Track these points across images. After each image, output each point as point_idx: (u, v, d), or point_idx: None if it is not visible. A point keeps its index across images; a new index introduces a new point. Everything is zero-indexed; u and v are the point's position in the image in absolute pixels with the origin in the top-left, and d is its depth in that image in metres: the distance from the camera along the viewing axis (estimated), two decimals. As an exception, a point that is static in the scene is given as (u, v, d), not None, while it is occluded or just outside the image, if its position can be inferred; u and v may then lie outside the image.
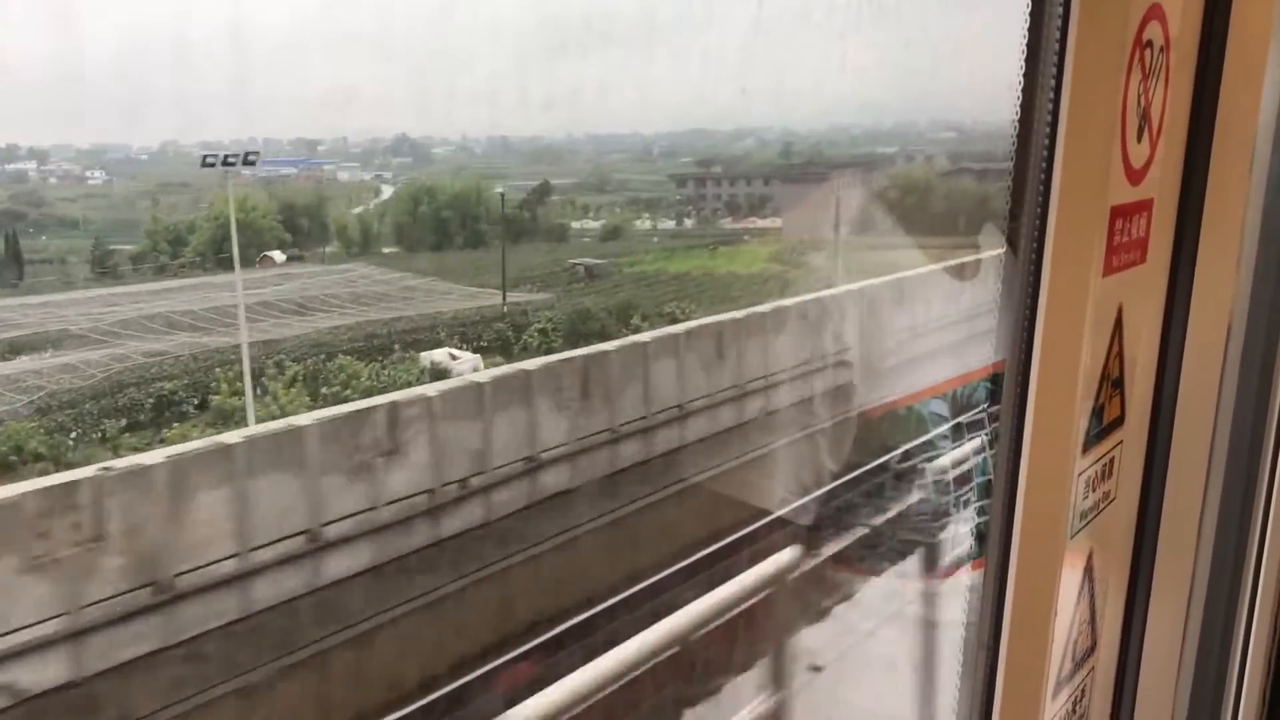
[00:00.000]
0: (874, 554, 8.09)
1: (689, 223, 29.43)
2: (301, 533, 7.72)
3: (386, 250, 26.42)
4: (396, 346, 20.42)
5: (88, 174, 24.69)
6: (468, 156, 28.75)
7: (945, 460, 7.00)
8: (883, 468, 9.13)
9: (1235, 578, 1.95)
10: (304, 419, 8.36)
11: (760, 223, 28.01)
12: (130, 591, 6.83)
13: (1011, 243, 1.38)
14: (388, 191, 28.06)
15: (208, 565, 7.21)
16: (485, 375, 10.25)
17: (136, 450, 13.44)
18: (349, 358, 19.28)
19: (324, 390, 17.83)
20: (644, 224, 29.76)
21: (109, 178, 24.83)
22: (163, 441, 15.05)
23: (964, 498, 6.40)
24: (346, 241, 26.25)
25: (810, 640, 6.15)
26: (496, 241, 25.84)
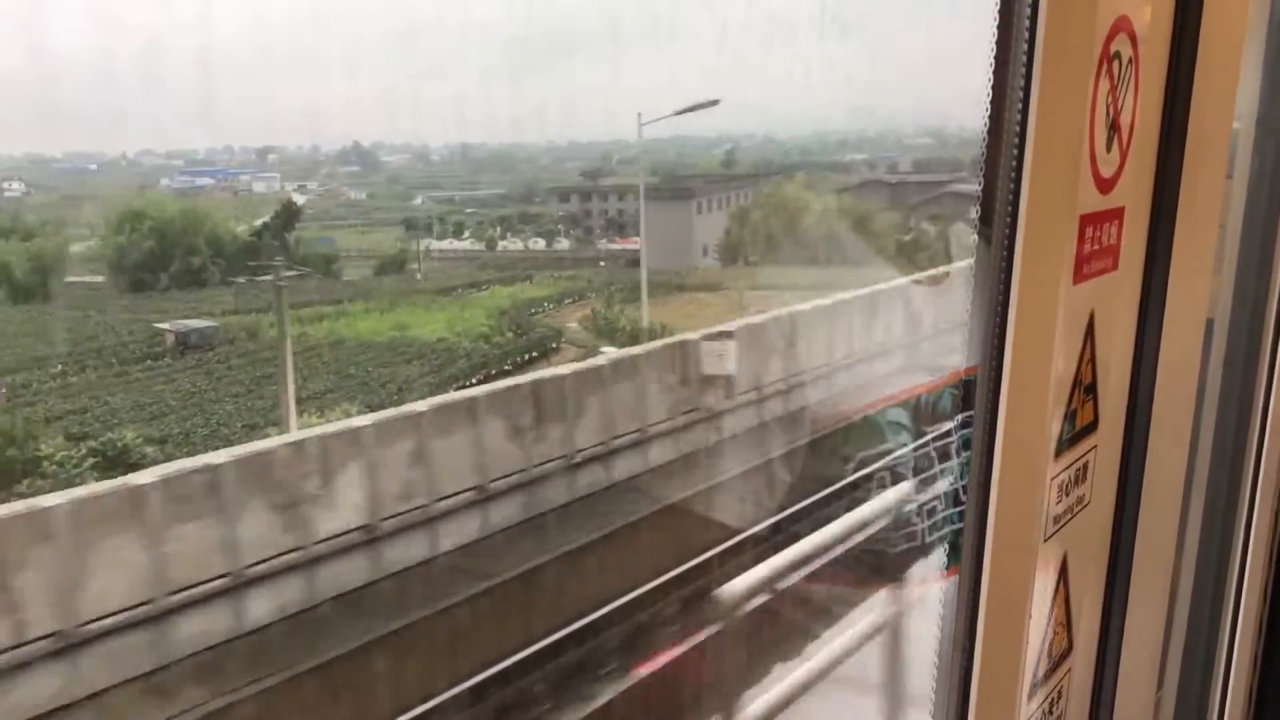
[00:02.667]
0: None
1: (565, 243, 26.40)
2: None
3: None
4: None
5: (4, 185, 22.91)
6: (424, 165, 27.29)
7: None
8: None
9: (1219, 578, 1.97)
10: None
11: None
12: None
13: (982, 250, 1.41)
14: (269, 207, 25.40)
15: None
16: None
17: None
18: None
19: None
20: (513, 244, 26.40)
21: (28, 190, 23.22)
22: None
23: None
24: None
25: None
26: (234, 274, 20.94)
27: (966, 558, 1.44)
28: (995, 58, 1.34)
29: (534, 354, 19.12)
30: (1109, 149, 1.41)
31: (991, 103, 1.34)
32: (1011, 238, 1.37)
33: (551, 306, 22.26)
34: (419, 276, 24.11)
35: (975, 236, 1.42)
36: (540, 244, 26.40)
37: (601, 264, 25.45)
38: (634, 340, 17.46)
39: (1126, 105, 1.44)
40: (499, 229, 26.53)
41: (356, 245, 25.00)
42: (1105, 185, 1.43)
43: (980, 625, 1.44)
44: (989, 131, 1.37)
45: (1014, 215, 1.36)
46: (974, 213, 1.41)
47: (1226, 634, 2.01)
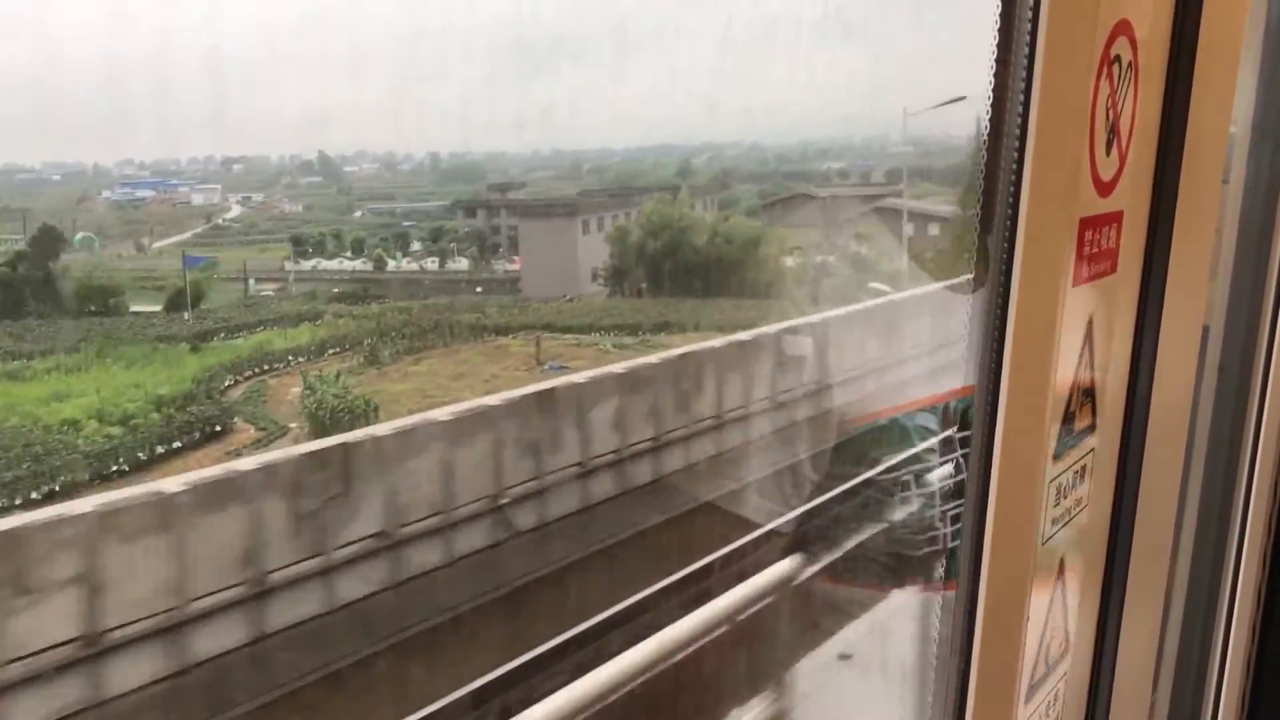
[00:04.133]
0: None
1: (463, 263, 23.94)
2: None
3: None
4: None
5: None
6: (391, 175, 25.64)
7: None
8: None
9: (1213, 581, 1.98)
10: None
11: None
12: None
13: (982, 254, 1.41)
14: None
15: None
16: None
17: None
18: None
19: None
20: (404, 264, 24.10)
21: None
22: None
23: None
24: None
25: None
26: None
27: (964, 559, 1.44)
28: (996, 59, 1.34)
29: (179, 443, 14.45)
30: (1108, 152, 1.42)
31: (992, 105, 1.34)
32: (1011, 240, 1.37)
33: (297, 361, 18.18)
34: (187, 316, 20.26)
35: (975, 238, 1.43)
36: (434, 264, 24.06)
37: (479, 290, 22.96)
38: (325, 425, 14.58)
39: (1126, 109, 1.44)
40: (393, 248, 24.52)
41: (254, 266, 23.19)
42: (1105, 189, 1.43)
43: (978, 627, 1.44)
44: (989, 135, 1.38)
45: (1014, 217, 1.36)
46: (975, 224, 1.41)
47: (1221, 636, 2.02)
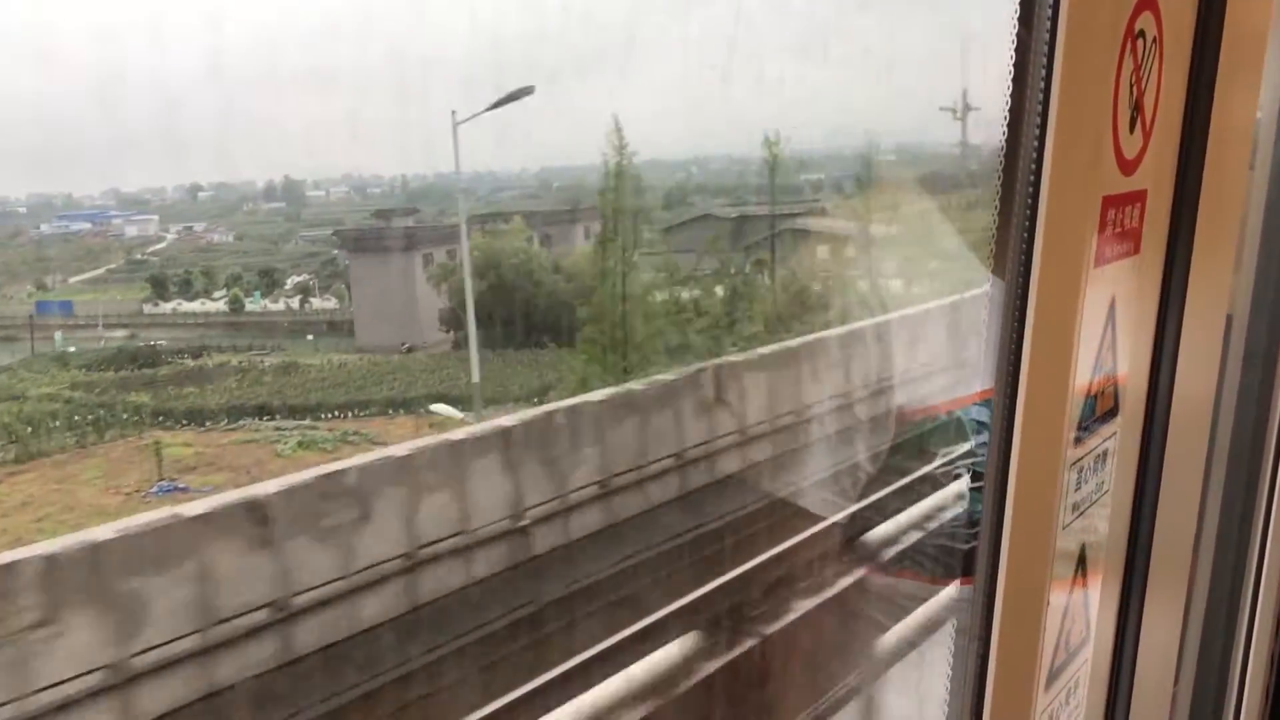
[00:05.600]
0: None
1: (331, 302, 21.32)
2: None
3: None
4: None
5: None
6: (361, 198, 22.97)
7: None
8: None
9: (1238, 567, 1.95)
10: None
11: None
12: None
13: (1002, 236, 1.39)
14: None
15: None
16: None
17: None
18: None
19: None
20: (265, 303, 21.83)
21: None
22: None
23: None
24: None
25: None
26: None
27: (983, 543, 1.42)
28: (1018, 32, 1.32)
29: None
30: (1132, 129, 1.39)
31: (1014, 78, 1.32)
32: (1033, 219, 1.35)
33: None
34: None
35: (995, 216, 1.40)
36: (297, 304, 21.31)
37: (309, 337, 20.17)
38: None
39: (1150, 85, 1.42)
40: (262, 285, 22.12)
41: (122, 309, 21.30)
42: (1128, 167, 1.41)
43: (997, 614, 1.42)
44: (1010, 111, 1.35)
45: (1035, 195, 1.34)
46: (995, 203, 1.38)
47: (1244, 626, 1.99)
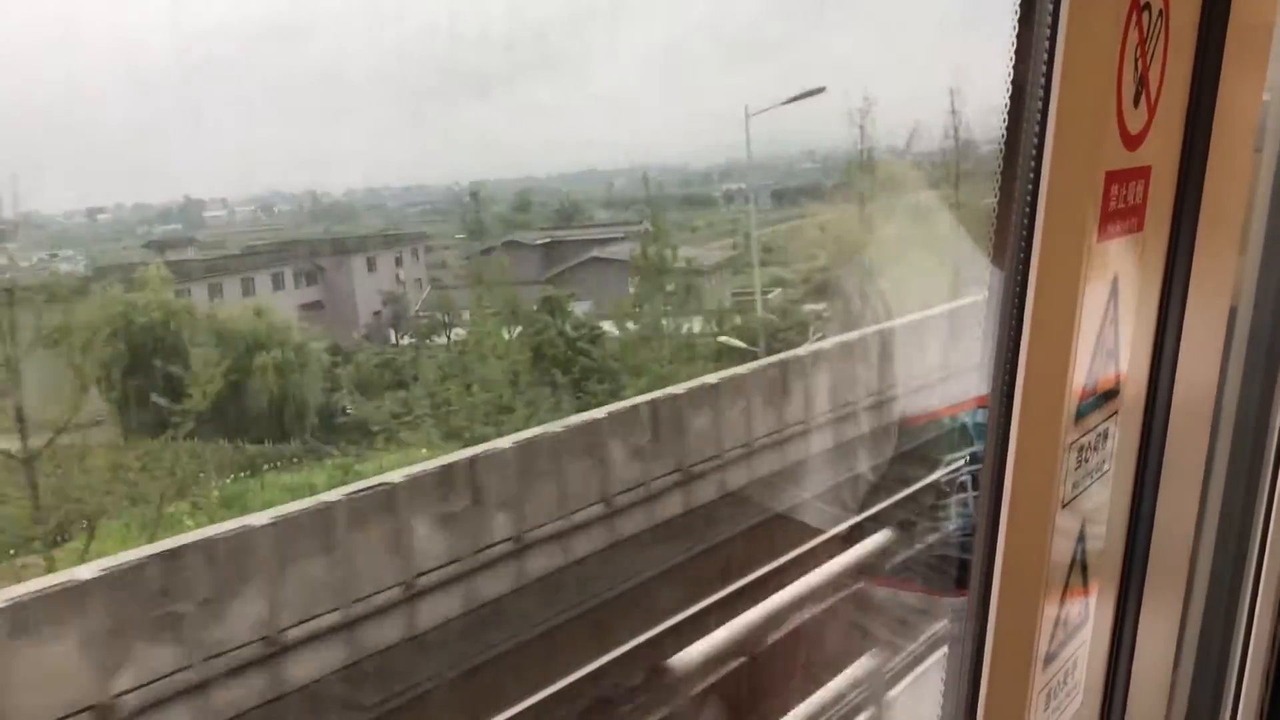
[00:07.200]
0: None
1: None
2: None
3: None
4: None
5: None
6: (267, 217, 21.13)
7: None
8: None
9: (1239, 554, 1.93)
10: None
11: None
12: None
13: (1003, 217, 1.37)
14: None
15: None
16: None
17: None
18: None
19: None
20: None
21: None
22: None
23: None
24: None
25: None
26: None
27: (981, 522, 1.41)
28: (1021, 4, 1.30)
29: None
30: (1136, 104, 1.37)
31: (1017, 50, 1.30)
32: (1035, 194, 1.33)
33: None
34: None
35: (996, 195, 1.39)
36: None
37: None
38: None
39: (1156, 60, 1.39)
40: None
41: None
42: (1132, 142, 1.39)
43: (994, 593, 1.41)
44: (1013, 83, 1.33)
45: (1037, 170, 1.32)
46: (994, 188, 1.37)
47: (1243, 622, 1.97)
